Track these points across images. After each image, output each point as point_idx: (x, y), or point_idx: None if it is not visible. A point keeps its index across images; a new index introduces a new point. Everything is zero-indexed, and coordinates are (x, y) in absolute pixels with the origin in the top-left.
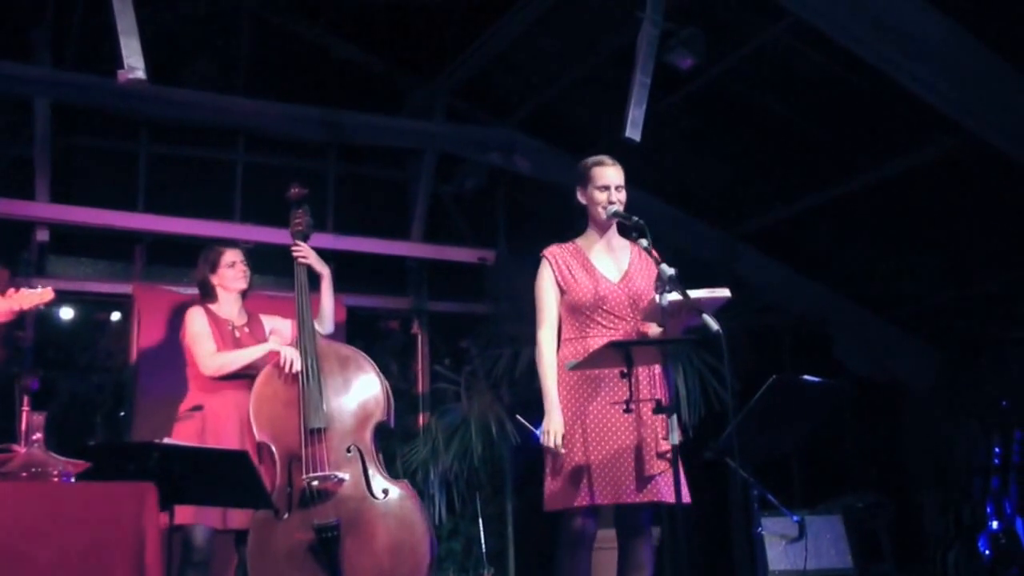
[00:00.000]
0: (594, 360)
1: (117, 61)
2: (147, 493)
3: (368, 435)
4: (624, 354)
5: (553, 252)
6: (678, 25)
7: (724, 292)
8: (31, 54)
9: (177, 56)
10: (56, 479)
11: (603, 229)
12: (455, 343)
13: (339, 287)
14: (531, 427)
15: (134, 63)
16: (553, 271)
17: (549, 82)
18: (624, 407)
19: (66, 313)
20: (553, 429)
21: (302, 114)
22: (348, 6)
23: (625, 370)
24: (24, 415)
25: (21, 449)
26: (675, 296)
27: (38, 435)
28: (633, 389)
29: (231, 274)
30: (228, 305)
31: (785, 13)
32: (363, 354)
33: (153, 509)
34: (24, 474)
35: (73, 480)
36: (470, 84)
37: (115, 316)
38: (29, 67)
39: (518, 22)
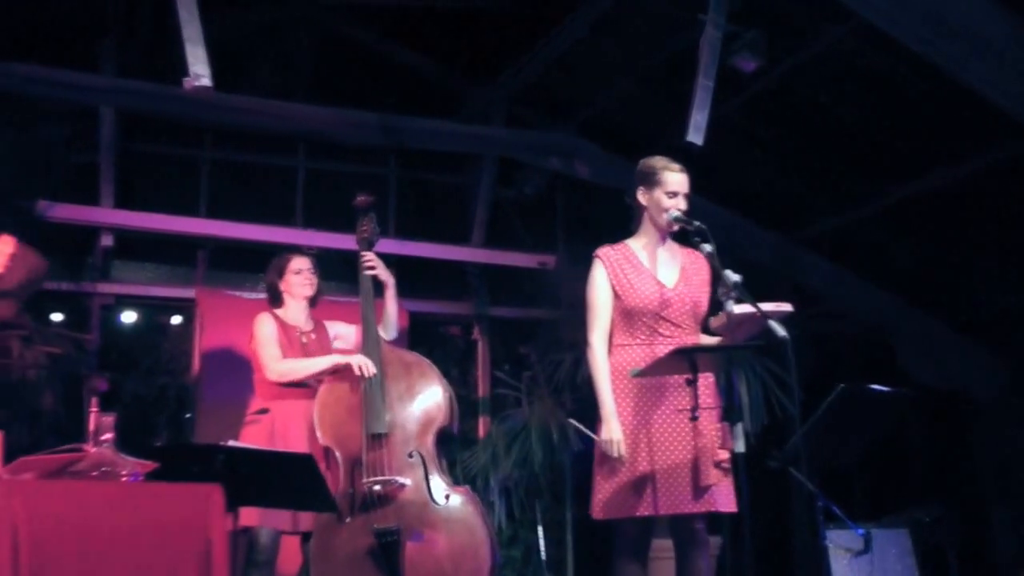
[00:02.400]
0: (660, 367)
1: (182, 69)
2: (214, 494)
3: (430, 441)
4: (689, 361)
5: (606, 254)
6: (740, 27)
7: (786, 306)
8: (96, 64)
9: (239, 63)
10: (125, 479)
11: (661, 233)
12: (515, 349)
13: (400, 292)
14: (589, 432)
15: (200, 71)
16: (607, 273)
17: (609, 86)
18: (690, 415)
19: (128, 317)
20: (615, 438)
21: (363, 120)
22: (408, 12)
23: (691, 377)
24: (92, 416)
25: (91, 449)
26: (744, 308)
27: (108, 435)
28: (696, 396)
29: (297, 280)
30: (295, 311)
31: (849, 14)
32: (427, 360)
33: (220, 509)
34: (94, 473)
35: (142, 480)
36: (530, 88)
37: (176, 320)
38: (94, 76)
39: (578, 26)
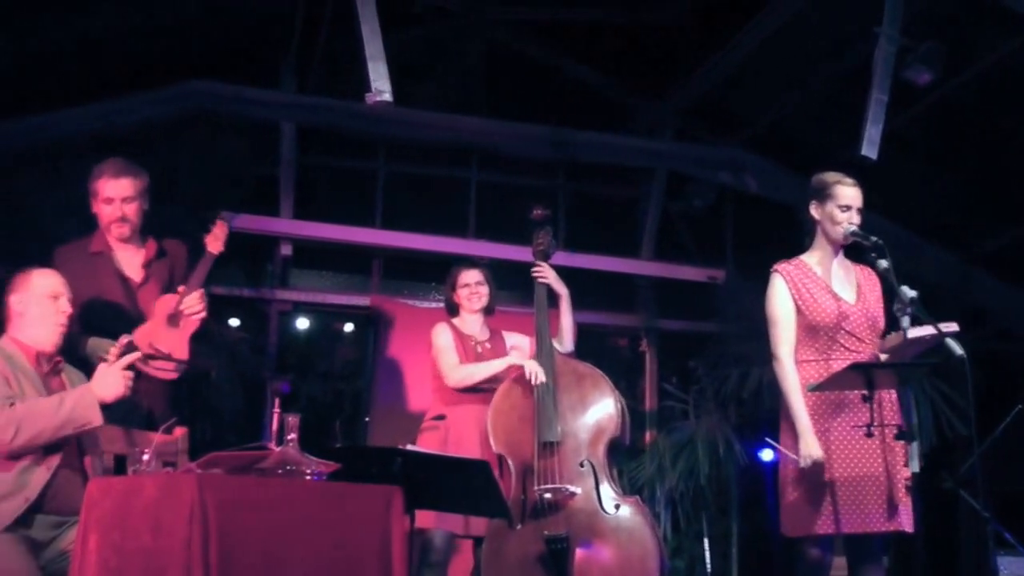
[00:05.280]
0: (836, 382)
1: (362, 84)
2: (395, 495)
3: (601, 450)
4: (866, 377)
5: (786, 268)
6: (914, 40)
7: (952, 326)
8: (278, 81)
9: (413, 78)
10: (309, 478)
11: (835, 248)
12: (683, 361)
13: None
14: (788, 453)
15: (381, 86)
16: (788, 287)
17: (780, 99)
18: (866, 431)
19: (302, 323)
20: (815, 455)
21: (534, 133)
22: (579, 27)
23: (867, 393)
24: (276, 416)
25: (276, 448)
26: (918, 331)
27: (293, 436)
28: (875, 413)
29: (465, 293)
30: (471, 322)
31: None
32: (600, 372)
33: (400, 511)
34: (279, 471)
35: (325, 480)
36: (700, 102)
37: (348, 327)
38: (276, 93)
39: (749, 39)
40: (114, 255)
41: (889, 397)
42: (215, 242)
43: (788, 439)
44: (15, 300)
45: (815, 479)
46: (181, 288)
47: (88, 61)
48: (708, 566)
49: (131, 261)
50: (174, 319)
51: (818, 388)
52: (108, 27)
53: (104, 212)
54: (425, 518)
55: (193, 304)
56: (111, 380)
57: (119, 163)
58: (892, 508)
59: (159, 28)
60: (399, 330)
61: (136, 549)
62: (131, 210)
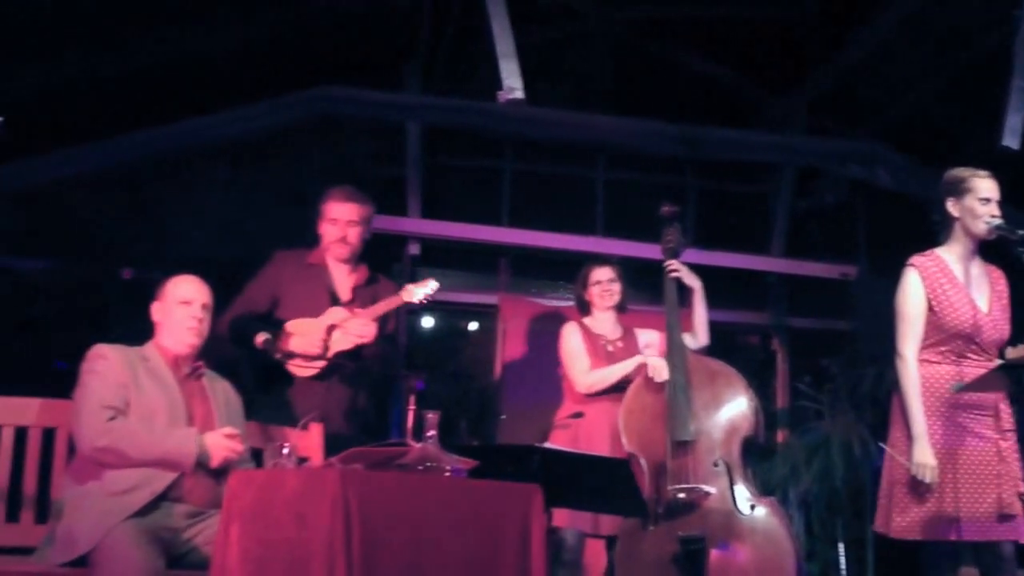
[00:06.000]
0: (983, 383)
1: (490, 83)
2: (534, 494)
3: (736, 449)
4: (1015, 378)
5: (921, 263)
6: None
7: None
8: (402, 82)
9: (538, 76)
10: (448, 474)
11: (975, 245)
12: (815, 360)
13: None
14: (903, 460)
15: (513, 84)
16: (923, 283)
17: (914, 90)
18: (1013, 435)
19: (426, 322)
20: (929, 464)
21: (661, 130)
22: (704, 22)
23: (1015, 394)
24: (411, 413)
25: (414, 444)
26: None
27: (432, 432)
28: (996, 421)
29: (597, 291)
30: (602, 320)
31: None
32: (733, 369)
33: (539, 510)
34: (420, 467)
35: (464, 476)
36: (829, 95)
37: (472, 326)
38: (401, 94)
39: (879, 28)
40: (328, 270)
41: (1005, 407)
42: (412, 292)
43: (900, 439)
44: (155, 308)
45: (942, 484)
46: (357, 309)
47: (217, 70)
48: (843, 572)
49: (343, 280)
50: (332, 331)
51: (964, 388)
52: (235, 37)
53: (328, 232)
54: (558, 517)
55: (358, 327)
56: (219, 446)
57: (348, 189)
58: (1006, 517)
59: (286, 35)
60: (527, 328)
61: (279, 540)
62: (354, 233)
